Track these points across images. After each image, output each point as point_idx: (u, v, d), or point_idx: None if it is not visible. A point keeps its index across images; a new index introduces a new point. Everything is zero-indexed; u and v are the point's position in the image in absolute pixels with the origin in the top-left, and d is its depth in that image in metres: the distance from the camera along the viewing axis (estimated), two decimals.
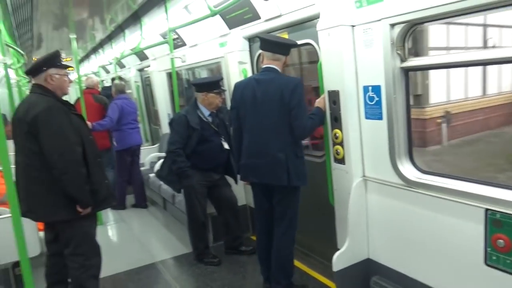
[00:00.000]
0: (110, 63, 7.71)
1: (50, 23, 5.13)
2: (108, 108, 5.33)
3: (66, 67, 2.92)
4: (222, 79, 3.92)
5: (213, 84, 3.65)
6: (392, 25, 2.40)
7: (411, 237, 2.53)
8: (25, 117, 2.60)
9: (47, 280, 3.05)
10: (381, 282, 2.71)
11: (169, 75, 5.68)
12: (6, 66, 3.87)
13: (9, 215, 2.72)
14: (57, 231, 2.91)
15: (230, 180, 3.96)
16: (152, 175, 5.24)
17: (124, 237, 4.76)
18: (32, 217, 2.82)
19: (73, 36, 5.02)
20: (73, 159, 2.65)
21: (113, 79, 6.76)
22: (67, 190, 2.65)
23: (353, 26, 2.64)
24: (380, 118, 2.60)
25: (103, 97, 5.78)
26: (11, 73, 4.94)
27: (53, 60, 2.79)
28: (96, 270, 2.93)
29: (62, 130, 2.64)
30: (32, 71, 2.78)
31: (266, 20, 3.44)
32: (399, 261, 2.64)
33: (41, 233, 3.20)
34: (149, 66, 6.61)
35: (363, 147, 2.78)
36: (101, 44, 7.16)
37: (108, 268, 3.35)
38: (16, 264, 3.22)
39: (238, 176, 3.32)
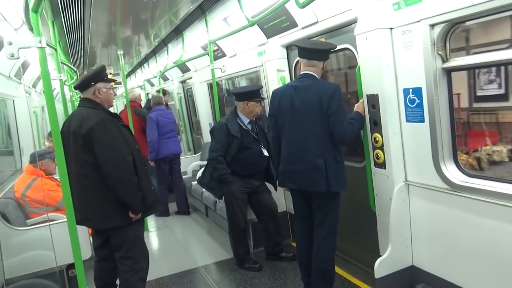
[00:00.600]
0: (155, 76, 8.05)
1: (100, 41, 5.46)
2: (147, 125, 5.60)
3: (112, 81, 3.11)
4: (261, 87, 3.99)
5: (254, 93, 3.73)
6: (432, 26, 2.36)
7: (457, 243, 2.43)
8: (80, 130, 2.76)
9: (96, 284, 3.21)
10: None
11: (210, 86, 5.86)
12: (62, 83, 4.17)
13: (65, 220, 2.91)
14: (105, 237, 3.07)
15: (270, 187, 3.99)
16: (194, 182, 5.39)
17: (168, 242, 4.91)
18: (88, 225, 2.99)
19: (120, 52, 5.32)
20: (126, 168, 2.79)
21: (157, 92, 7.06)
22: (121, 198, 2.80)
23: (391, 28, 2.61)
24: (422, 120, 2.54)
25: (142, 109, 6.11)
26: (65, 89, 5.31)
27: (100, 75, 2.97)
28: (144, 273, 3.05)
29: (115, 142, 2.80)
30: (81, 86, 2.97)
31: (303, 28, 3.48)
32: (445, 269, 2.54)
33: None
34: (191, 77, 6.84)
35: (405, 151, 2.72)
36: (146, 59, 7.50)
37: (153, 272, 3.48)
38: (70, 266, 3.43)
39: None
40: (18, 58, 1.93)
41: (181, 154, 6.11)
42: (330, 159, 2.78)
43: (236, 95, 3.82)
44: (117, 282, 3.15)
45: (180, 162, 5.95)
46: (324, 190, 2.78)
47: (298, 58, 3.89)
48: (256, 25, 3.86)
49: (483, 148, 3.20)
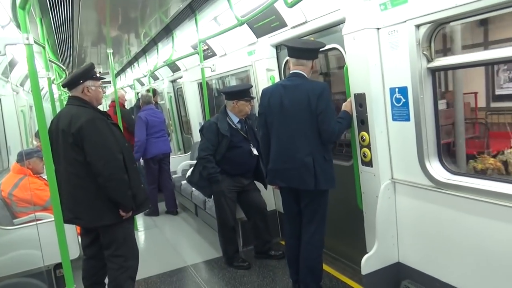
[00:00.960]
0: (145, 76, 8.03)
1: (89, 40, 5.43)
2: (136, 125, 5.60)
3: (100, 78, 3.08)
4: (251, 87, 4.01)
5: (243, 92, 3.75)
6: (418, 26, 2.40)
7: (442, 240, 2.48)
8: (69, 129, 2.74)
9: (84, 283, 3.18)
10: (412, 286, 2.66)
11: (200, 85, 5.86)
12: (50, 81, 4.13)
13: (52, 219, 2.89)
14: (94, 235, 3.06)
15: (259, 185, 4.01)
16: (184, 182, 5.39)
17: (157, 242, 4.90)
18: (78, 223, 2.97)
19: (110, 51, 5.29)
20: (117, 167, 2.79)
21: (147, 91, 7.05)
22: (112, 196, 2.79)
23: (378, 28, 2.66)
24: (408, 119, 2.59)
25: (124, 110, 6.11)
26: (54, 88, 5.26)
27: (89, 73, 2.94)
28: (133, 272, 3.05)
29: (105, 140, 2.78)
30: (70, 84, 2.93)
31: (293, 27, 3.51)
32: (430, 265, 2.59)
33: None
34: (181, 77, 6.84)
35: (391, 149, 2.77)
36: (136, 58, 7.46)
37: (142, 271, 3.45)
38: (58, 266, 3.40)
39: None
40: (5, 54, 1.93)
41: (170, 153, 6.10)
42: (319, 157, 2.81)
43: (226, 94, 3.84)
44: (106, 281, 3.14)
45: (169, 162, 5.94)
46: (312, 188, 2.80)
47: (287, 58, 3.93)
48: (245, 25, 3.89)
49: (509, 150, 3.06)
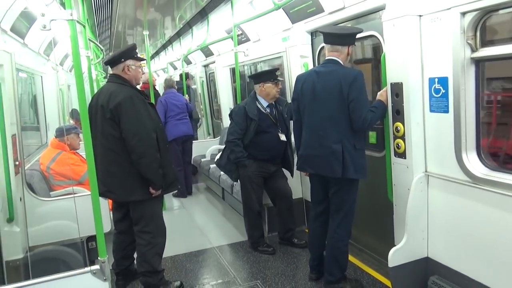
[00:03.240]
0: (178, 59, 8.12)
1: (126, 22, 5.54)
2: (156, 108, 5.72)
3: (141, 59, 3.16)
4: (277, 69, 3.98)
5: (268, 73, 3.73)
6: (463, 14, 2.29)
7: (475, 237, 2.40)
8: (108, 104, 2.83)
9: (115, 256, 3.32)
10: (441, 282, 2.59)
11: (233, 71, 5.87)
12: (89, 61, 4.25)
13: (88, 193, 3.00)
14: (125, 211, 3.16)
15: (287, 173, 4.01)
16: (212, 165, 5.45)
17: (185, 223, 5.01)
18: (110, 197, 3.08)
19: (146, 32, 5.37)
20: (150, 145, 2.87)
21: (180, 75, 7.13)
22: (143, 173, 2.87)
23: (420, 16, 2.56)
24: (446, 111, 2.49)
25: (154, 90, 6.20)
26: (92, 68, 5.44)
27: (130, 52, 3.04)
28: (160, 248, 3.14)
29: (141, 118, 2.86)
30: (112, 61, 3.03)
31: (330, 13, 3.43)
32: (461, 262, 2.51)
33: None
34: (214, 62, 6.87)
35: (426, 141, 2.68)
36: (170, 41, 7.56)
37: (169, 249, 3.55)
38: (90, 239, 3.55)
39: (295, 168, 3.36)
40: (50, 29, 1.99)
41: (193, 136, 6.22)
42: (349, 145, 2.77)
43: (253, 77, 3.87)
44: (135, 255, 3.25)
45: (192, 144, 6.06)
46: (339, 176, 2.78)
47: (322, 44, 3.87)
48: (281, 10, 3.84)
49: None
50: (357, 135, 2.81)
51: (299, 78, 3.08)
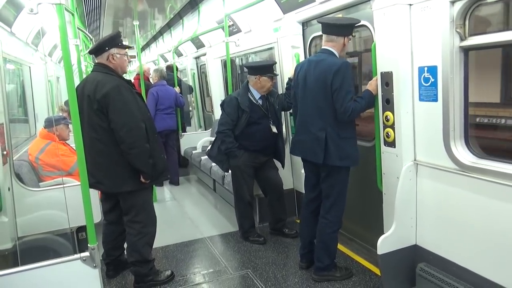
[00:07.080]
0: (169, 51, 8.05)
1: (116, 12, 5.48)
2: (147, 100, 5.71)
3: (126, 47, 3.07)
4: (275, 63, 3.97)
5: (267, 68, 3.72)
6: (452, 2, 2.30)
7: (463, 225, 2.43)
8: (95, 95, 2.78)
9: (104, 247, 3.30)
10: (428, 269, 2.62)
11: (224, 63, 5.83)
12: (77, 48, 4.18)
13: (78, 183, 2.97)
14: (114, 201, 3.14)
15: (278, 164, 4.02)
16: (203, 157, 5.45)
17: (175, 214, 5.01)
18: (101, 188, 3.05)
19: (136, 23, 5.31)
20: (140, 135, 2.83)
21: (169, 66, 7.09)
22: (133, 163, 2.85)
23: (410, 4, 2.56)
24: (435, 100, 2.51)
25: (148, 82, 6.24)
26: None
27: (115, 40, 2.96)
28: (150, 238, 3.13)
29: (130, 108, 2.82)
30: (96, 50, 2.97)
31: (321, 3, 3.42)
32: (448, 249, 2.55)
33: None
34: (205, 54, 6.82)
35: (415, 130, 2.70)
36: (160, 33, 7.49)
37: (160, 240, 3.56)
38: (79, 230, 3.53)
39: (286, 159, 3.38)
40: (37, 13, 1.95)
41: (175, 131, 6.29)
42: (333, 133, 2.82)
43: (249, 68, 3.82)
44: (125, 245, 3.24)
45: (174, 138, 6.15)
46: (320, 162, 2.85)
47: (313, 35, 3.87)
48: None
49: None
50: (342, 124, 2.83)
51: (297, 67, 3.16)
